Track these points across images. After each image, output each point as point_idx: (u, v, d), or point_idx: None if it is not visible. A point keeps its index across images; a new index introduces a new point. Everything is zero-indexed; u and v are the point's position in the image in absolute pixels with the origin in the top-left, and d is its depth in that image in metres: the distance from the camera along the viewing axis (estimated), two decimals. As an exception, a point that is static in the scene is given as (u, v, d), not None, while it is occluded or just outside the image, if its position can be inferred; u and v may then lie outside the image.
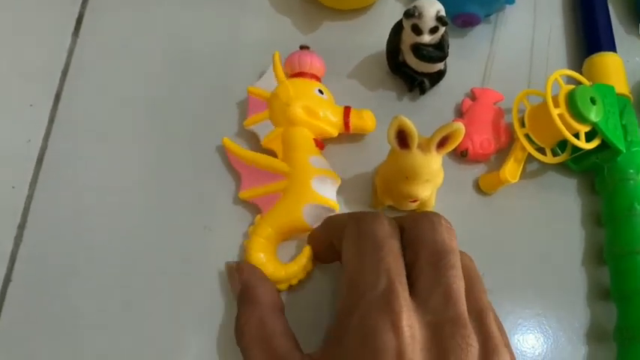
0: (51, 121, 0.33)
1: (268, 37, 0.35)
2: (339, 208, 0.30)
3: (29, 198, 0.31)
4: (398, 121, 0.24)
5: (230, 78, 0.34)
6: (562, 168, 0.33)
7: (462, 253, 0.24)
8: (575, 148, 0.31)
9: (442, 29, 0.30)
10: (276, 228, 0.28)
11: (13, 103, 0.33)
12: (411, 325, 0.21)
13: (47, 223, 0.30)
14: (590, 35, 0.35)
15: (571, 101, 0.29)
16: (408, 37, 0.31)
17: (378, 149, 0.30)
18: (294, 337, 0.25)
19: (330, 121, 0.30)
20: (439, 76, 0.33)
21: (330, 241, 0.26)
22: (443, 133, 0.25)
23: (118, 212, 0.31)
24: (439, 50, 0.31)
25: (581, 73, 0.34)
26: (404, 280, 0.22)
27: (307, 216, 0.29)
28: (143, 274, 0.29)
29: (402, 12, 0.30)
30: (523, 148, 0.31)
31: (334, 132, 0.31)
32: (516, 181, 0.31)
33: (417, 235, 0.23)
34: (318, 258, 0.28)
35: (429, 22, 0.29)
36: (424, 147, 0.26)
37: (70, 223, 0.30)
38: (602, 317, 0.30)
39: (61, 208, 0.31)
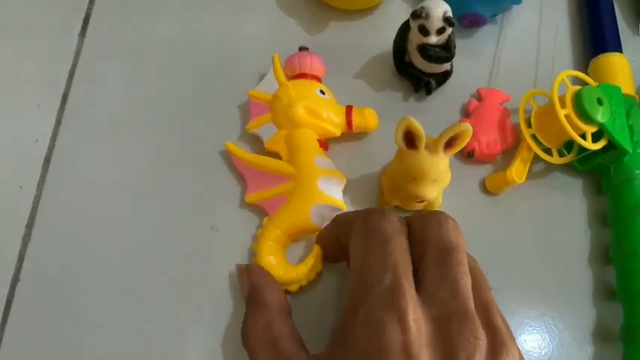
0: (58, 121, 0.33)
1: (274, 39, 0.35)
2: (346, 208, 0.30)
3: (37, 198, 0.31)
4: (406, 122, 0.25)
5: (233, 79, 0.34)
6: (568, 168, 0.33)
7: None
8: (582, 149, 0.31)
9: (449, 30, 0.30)
10: (284, 230, 0.29)
11: (21, 104, 0.33)
12: (417, 320, 0.21)
13: (55, 223, 0.31)
14: (596, 36, 0.35)
15: (578, 102, 0.29)
16: (414, 38, 0.31)
17: (382, 148, 0.30)
18: (301, 340, 0.25)
19: (332, 121, 0.31)
20: (445, 76, 0.33)
21: (338, 239, 0.26)
22: (450, 134, 0.25)
23: (125, 213, 0.31)
24: (446, 51, 0.31)
25: (587, 73, 0.34)
26: (410, 276, 0.22)
27: (315, 217, 0.29)
28: (150, 275, 0.29)
29: (409, 12, 0.30)
30: (529, 149, 0.31)
31: (337, 132, 0.31)
32: (523, 181, 0.31)
33: (424, 232, 0.24)
34: (327, 257, 0.28)
35: (436, 22, 0.29)
36: (431, 148, 0.26)
37: (77, 222, 0.31)
38: (607, 317, 0.30)
39: (69, 208, 0.31)
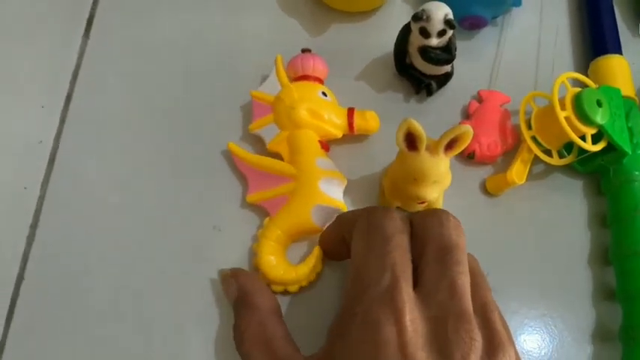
0: (62, 122, 0.33)
1: (276, 40, 0.35)
2: (346, 208, 0.30)
3: (41, 198, 0.31)
4: (407, 123, 0.25)
5: (235, 80, 0.34)
6: (568, 170, 0.33)
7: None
8: (582, 150, 0.31)
9: (450, 32, 0.30)
10: (285, 230, 0.29)
11: (25, 105, 0.33)
12: (413, 319, 0.21)
13: (59, 223, 0.31)
14: (596, 37, 0.36)
15: (577, 104, 0.29)
16: (415, 40, 0.31)
17: (383, 149, 0.31)
18: (294, 342, 0.25)
19: (334, 122, 0.31)
20: (446, 78, 0.33)
21: (341, 237, 0.26)
22: (451, 136, 0.25)
23: (128, 213, 0.31)
24: (447, 53, 0.31)
25: (587, 75, 0.34)
26: (409, 275, 0.22)
27: (315, 217, 0.29)
28: (152, 274, 0.30)
29: (410, 14, 0.30)
30: (530, 150, 0.31)
31: (339, 133, 0.31)
32: (523, 182, 0.31)
33: (425, 230, 0.24)
34: (330, 255, 0.28)
35: (437, 25, 0.29)
36: (432, 149, 0.26)
37: (81, 222, 0.31)
38: (607, 317, 0.30)
39: (73, 209, 0.31)
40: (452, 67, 0.33)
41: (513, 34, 0.37)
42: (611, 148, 0.30)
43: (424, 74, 0.33)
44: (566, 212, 0.32)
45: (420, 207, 0.30)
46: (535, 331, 0.30)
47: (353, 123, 0.31)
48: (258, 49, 0.35)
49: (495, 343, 0.21)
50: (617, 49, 0.35)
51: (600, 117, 0.29)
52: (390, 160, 0.29)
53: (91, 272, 0.30)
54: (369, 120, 0.31)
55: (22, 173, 0.32)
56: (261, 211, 0.31)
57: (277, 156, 0.31)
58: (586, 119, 0.29)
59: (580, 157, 0.32)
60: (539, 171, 0.33)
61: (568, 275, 0.31)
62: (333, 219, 0.28)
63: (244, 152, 0.31)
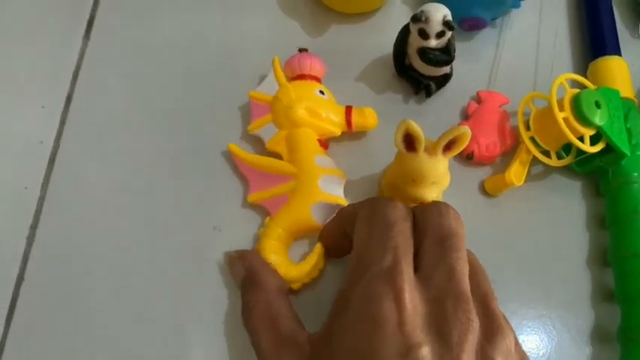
0: (62, 122, 0.33)
1: (275, 41, 0.35)
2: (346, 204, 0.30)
3: (41, 199, 0.31)
4: (405, 124, 0.25)
5: (234, 80, 0.34)
6: (566, 171, 0.33)
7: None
8: (580, 151, 0.31)
9: (449, 34, 0.30)
10: (286, 229, 0.29)
11: (26, 105, 0.34)
12: (412, 299, 0.21)
13: (59, 224, 0.31)
14: (595, 39, 0.36)
15: (576, 105, 0.29)
16: (414, 41, 0.31)
17: (382, 149, 0.31)
18: (299, 319, 0.26)
19: (332, 120, 0.31)
20: (445, 79, 0.34)
21: (343, 230, 0.26)
22: (449, 137, 0.25)
23: (128, 213, 0.31)
24: (445, 54, 0.31)
25: (586, 76, 0.34)
26: (410, 259, 0.23)
27: (316, 215, 0.29)
28: (152, 275, 0.30)
29: (409, 16, 0.30)
30: (528, 151, 0.31)
31: (337, 131, 0.31)
32: (521, 183, 0.31)
33: (425, 220, 0.24)
34: (331, 251, 0.29)
35: (435, 26, 0.29)
36: (431, 150, 0.26)
37: (81, 223, 0.31)
38: (605, 318, 0.30)
39: (73, 209, 0.31)
40: (451, 68, 0.33)
41: (512, 35, 0.37)
42: (609, 149, 0.30)
43: (423, 75, 0.33)
44: (565, 213, 0.33)
45: (419, 208, 0.30)
46: (534, 332, 0.30)
47: (351, 120, 0.31)
48: (258, 50, 0.35)
49: (495, 327, 0.21)
50: (616, 51, 0.35)
51: (599, 118, 0.29)
52: (388, 160, 0.29)
53: (91, 273, 0.30)
54: (367, 117, 0.32)
55: (22, 174, 0.32)
56: (262, 210, 0.31)
57: (277, 155, 0.31)
58: (584, 120, 0.29)
59: (578, 159, 0.32)
60: (538, 172, 0.33)
61: (567, 276, 0.31)
62: (337, 211, 0.28)
63: (244, 153, 0.31)
